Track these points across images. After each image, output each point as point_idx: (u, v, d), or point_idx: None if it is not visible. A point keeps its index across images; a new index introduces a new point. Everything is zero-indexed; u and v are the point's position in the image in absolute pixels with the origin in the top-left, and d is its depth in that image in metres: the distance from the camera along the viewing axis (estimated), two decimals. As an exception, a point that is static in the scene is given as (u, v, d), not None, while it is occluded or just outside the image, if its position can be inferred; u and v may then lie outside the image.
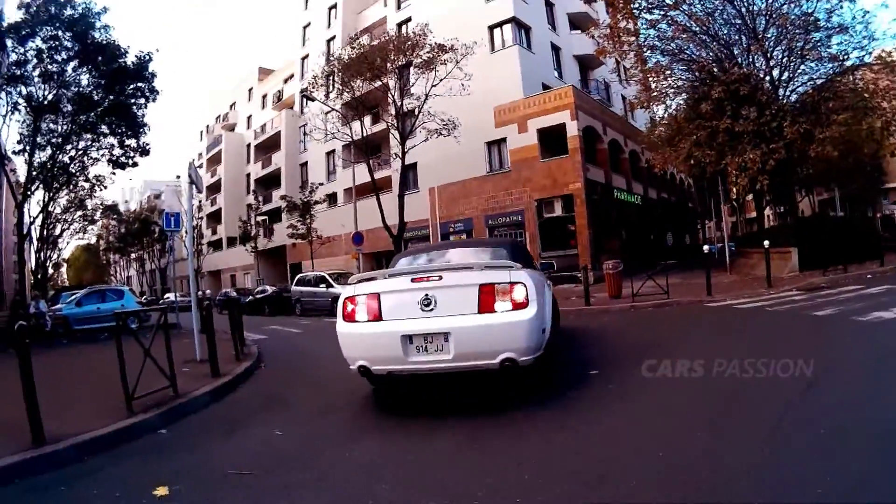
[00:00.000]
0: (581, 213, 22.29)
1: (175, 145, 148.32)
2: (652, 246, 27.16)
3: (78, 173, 22.73)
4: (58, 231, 32.47)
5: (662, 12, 17.31)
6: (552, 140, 23.53)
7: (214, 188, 48.05)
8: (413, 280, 4.33)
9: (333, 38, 34.50)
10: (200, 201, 44.55)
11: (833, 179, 30.56)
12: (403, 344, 4.17)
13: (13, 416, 4.31)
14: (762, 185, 16.64)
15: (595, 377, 5.06)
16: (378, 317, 4.37)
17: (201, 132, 56.73)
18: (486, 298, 4.14)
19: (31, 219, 24.36)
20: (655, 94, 18.77)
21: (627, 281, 12.07)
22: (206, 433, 4.58)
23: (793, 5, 15.76)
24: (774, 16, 15.97)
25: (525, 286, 4.17)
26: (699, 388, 4.38)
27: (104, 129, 20.75)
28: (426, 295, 4.20)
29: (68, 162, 21.50)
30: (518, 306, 4.11)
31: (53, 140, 20.25)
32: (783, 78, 17.02)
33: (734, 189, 20.05)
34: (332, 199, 33.97)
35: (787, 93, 17.09)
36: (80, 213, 33.16)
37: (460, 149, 23.39)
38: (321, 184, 32.99)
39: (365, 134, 23.61)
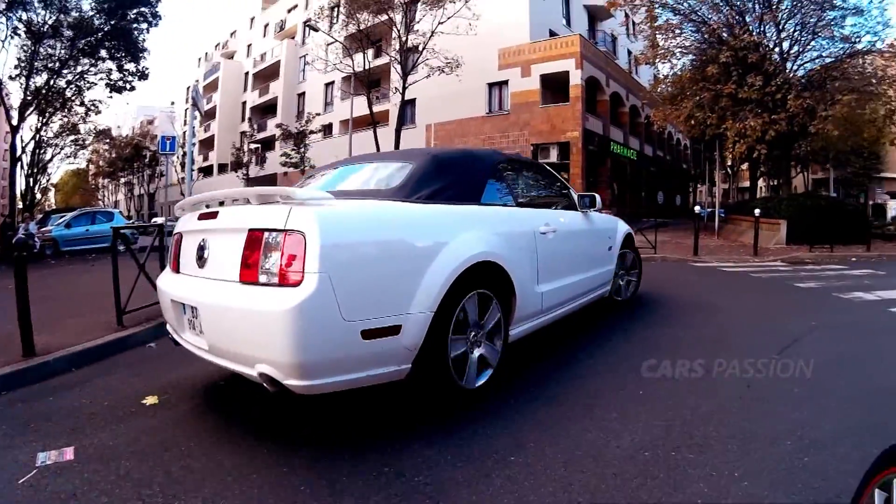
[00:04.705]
0: (576, 161, 22.47)
1: (168, 72, 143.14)
2: (642, 202, 27.38)
3: (74, 97, 23.08)
4: (48, 156, 32.88)
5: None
6: (554, 86, 23.32)
7: (209, 115, 47.29)
8: (200, 217, 2.85)
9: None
10: (194, 127, 43.68)
11: (830, 160, 30.72)
12: (176, 312, 2.88)
13: (3, 330, 4.31)
14: (759, 154, 16.87)
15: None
16: (177, 267, 3.07)
17: (199, 59, 56.09)
18: (252, 256, 2.35)
19: (23, 144, 24.75)
20: (662, 51, 18.66)
21: (616, 232, 12.41)
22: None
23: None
24: (791, -12, 15.58)
25: (305, 240, 2.19)
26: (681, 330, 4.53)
27: (103, 53, 21.06)
28: (202, 241, 2.75)
29: (64, 86, 21.88)
30: (286, 279, 2.21)
31: (50, 65, 20.41)
32: (792, 51, 16.93)
33: (730, 155, 19.99)
34: (327, 129, 33.60)
35: (795, 66, 17.01)
36: (71, 137, 33.46)
37: (460, 88, 23.11)
38: (318, 114, 32.72)
39: (367, 67, 23.19)
